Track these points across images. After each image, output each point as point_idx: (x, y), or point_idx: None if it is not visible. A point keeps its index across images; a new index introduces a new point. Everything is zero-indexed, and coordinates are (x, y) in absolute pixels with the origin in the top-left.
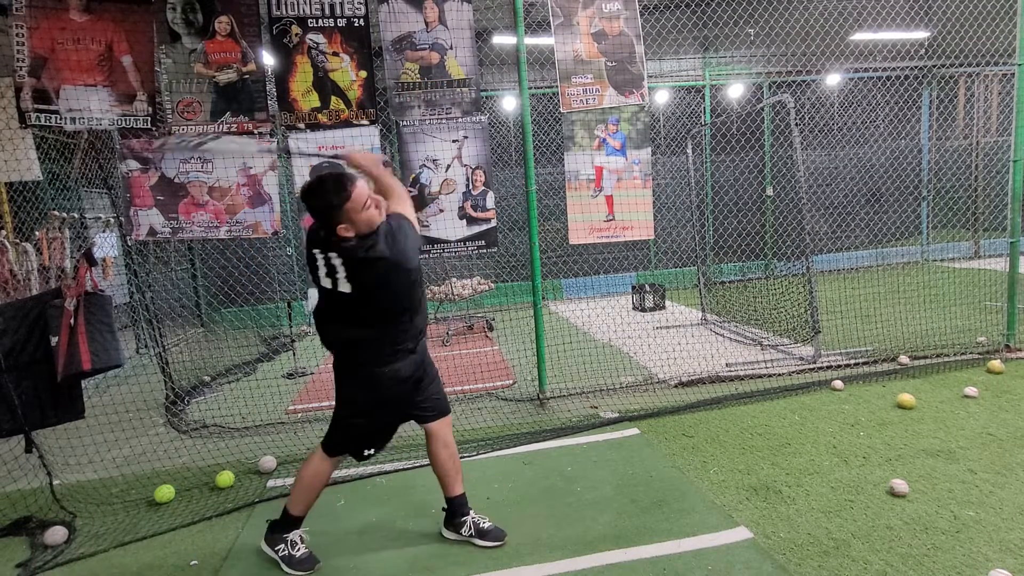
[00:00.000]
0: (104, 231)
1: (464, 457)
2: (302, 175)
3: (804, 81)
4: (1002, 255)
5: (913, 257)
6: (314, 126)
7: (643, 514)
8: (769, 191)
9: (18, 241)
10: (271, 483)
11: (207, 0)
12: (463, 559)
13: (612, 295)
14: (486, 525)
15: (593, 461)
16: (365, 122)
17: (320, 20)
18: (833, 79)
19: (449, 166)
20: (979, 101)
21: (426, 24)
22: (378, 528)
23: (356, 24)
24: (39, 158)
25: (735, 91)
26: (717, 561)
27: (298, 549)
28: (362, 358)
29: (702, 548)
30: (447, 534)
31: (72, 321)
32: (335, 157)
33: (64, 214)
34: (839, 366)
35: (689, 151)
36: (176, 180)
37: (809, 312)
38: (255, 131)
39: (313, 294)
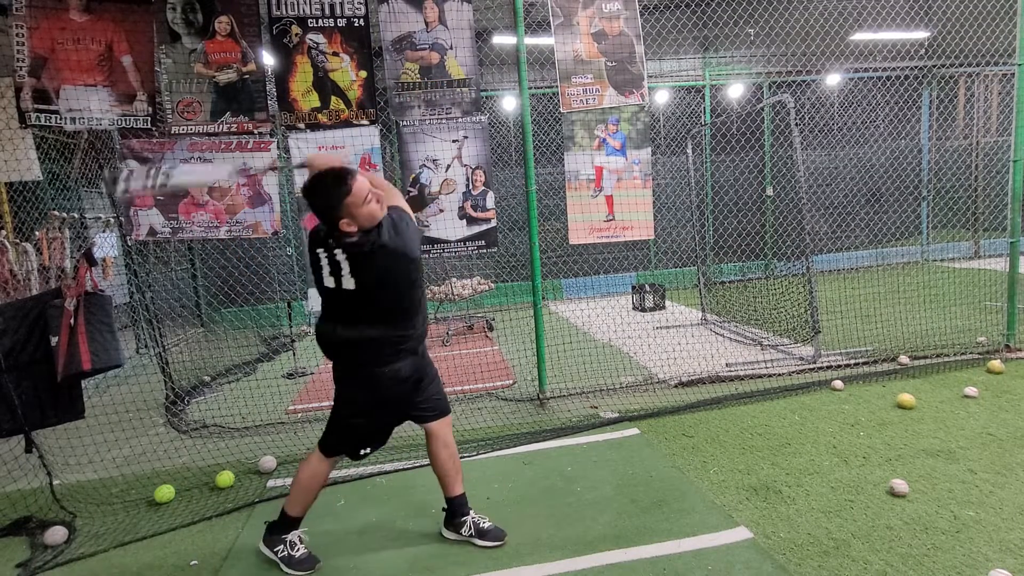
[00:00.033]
0: (104, 231)
1: (464, 457)
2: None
3: (804, 81)
4: (1002, 255)
5: (913, 257)
6: (314, 126)
7: (643, 514)
8: (769, 191)
9: (18, 241)
10: (271, 483)
11: (207, 0)
12: (463, 559)
13: (612, 295)
14: (486, 525)
15: (593, 461)
16: (365, 122)
17: (320, 20)
18: (833, 79)
19: (449, 166)
20: (979, 101)
21: (426, 24)
22: (378, 528)
23: (356, 24)
24: (39, 158)
25: (735, 91)
26: (717, 561)
27: (297, 549)
28: (363, 358)
29: (702, 548)
30: (447, 534)
31: (72, 321)
32: (300, 166)
33: (64, 214)
34: (839, 366)
35: (689, 151)
36: None
37: (809, 312)
38: (255, 131)
39: (313, 294)
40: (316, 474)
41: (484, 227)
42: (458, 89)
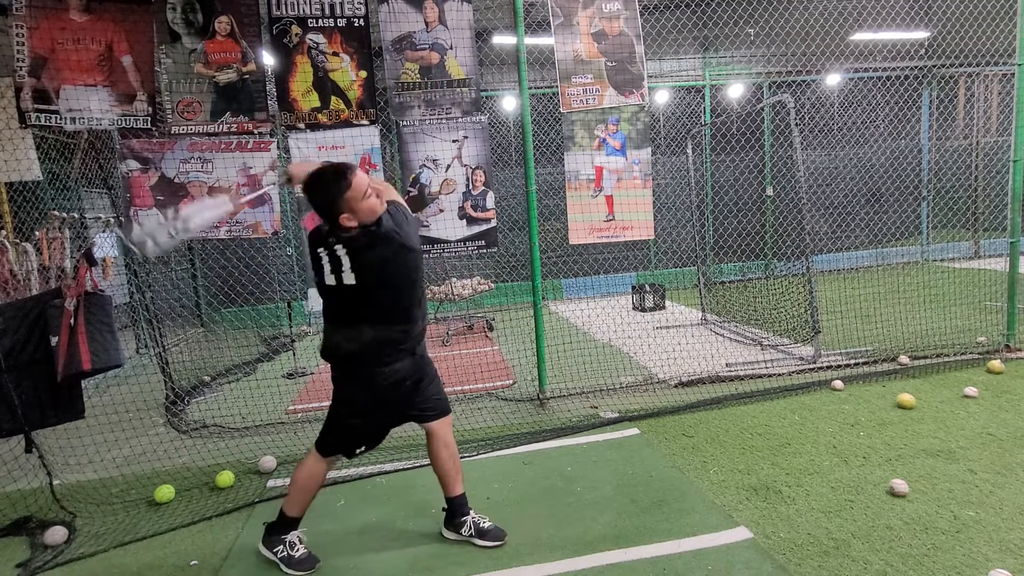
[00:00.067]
0: (104, 231)
1: (464, 457)
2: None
3: (804, 81)
4: (1002, 255)
5: (913, 257)
6: (314, 126)
7: (643, 514)
8: (769, 191)
9: (18, 241)
10: (271, 483)
11: (207, 0)
12: (463, 559)
13: (612, 295)
14: (486, 525)
15: (593, 461)
16: (365, 122)
17: (320, 20)
18: (833, 79)
19: (449, 166)
20: (979, 101)
21: (426, 24)
22: (378, 528)
23: (356, 24)
24: (39, 158)
25: (735, 91)
26: (717, 561)
27: (297, 549)
28: (363, 358)
29: (702, 548)
30: (447, 534)
31: (72, 321)
32: (285, 183)
33: (64, 214)
34: (839, 366)
35: (689, 151)
36: (176, 180)
37: (809, 312)
38: (255, 131)
39: (313, 294)
40: (313, 474)
41: (484, 227)
42: (458, 89)
